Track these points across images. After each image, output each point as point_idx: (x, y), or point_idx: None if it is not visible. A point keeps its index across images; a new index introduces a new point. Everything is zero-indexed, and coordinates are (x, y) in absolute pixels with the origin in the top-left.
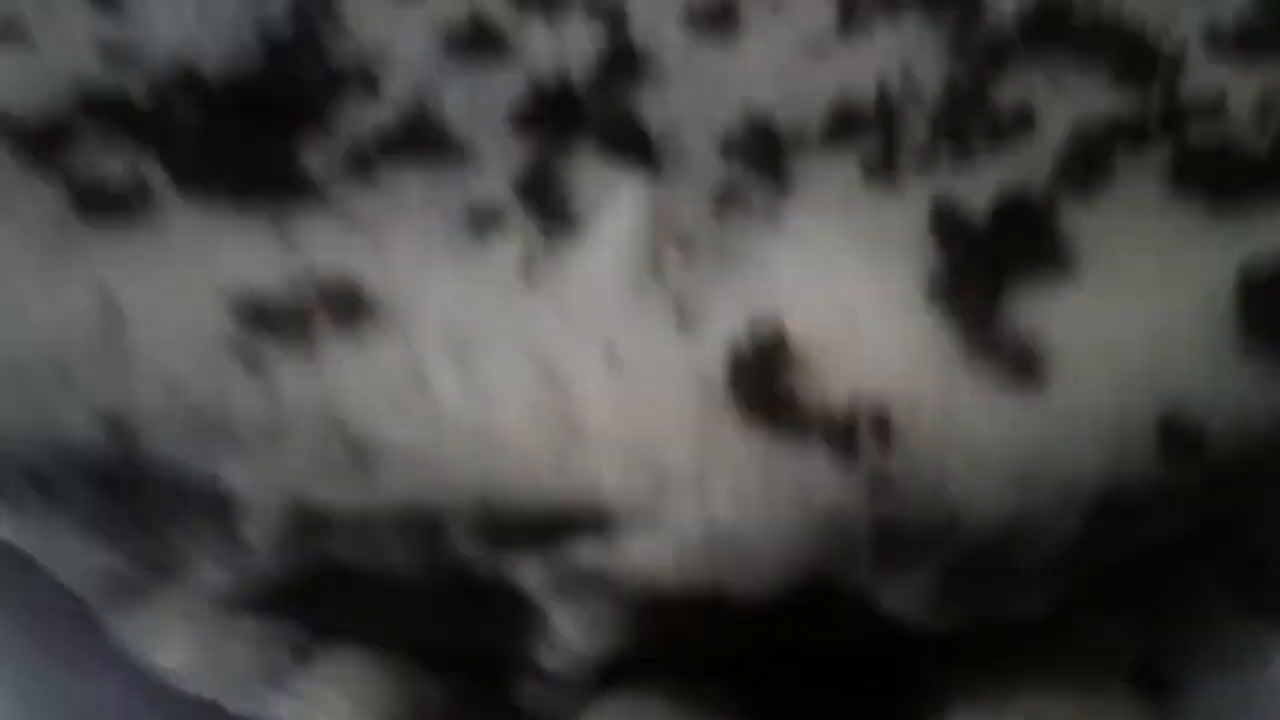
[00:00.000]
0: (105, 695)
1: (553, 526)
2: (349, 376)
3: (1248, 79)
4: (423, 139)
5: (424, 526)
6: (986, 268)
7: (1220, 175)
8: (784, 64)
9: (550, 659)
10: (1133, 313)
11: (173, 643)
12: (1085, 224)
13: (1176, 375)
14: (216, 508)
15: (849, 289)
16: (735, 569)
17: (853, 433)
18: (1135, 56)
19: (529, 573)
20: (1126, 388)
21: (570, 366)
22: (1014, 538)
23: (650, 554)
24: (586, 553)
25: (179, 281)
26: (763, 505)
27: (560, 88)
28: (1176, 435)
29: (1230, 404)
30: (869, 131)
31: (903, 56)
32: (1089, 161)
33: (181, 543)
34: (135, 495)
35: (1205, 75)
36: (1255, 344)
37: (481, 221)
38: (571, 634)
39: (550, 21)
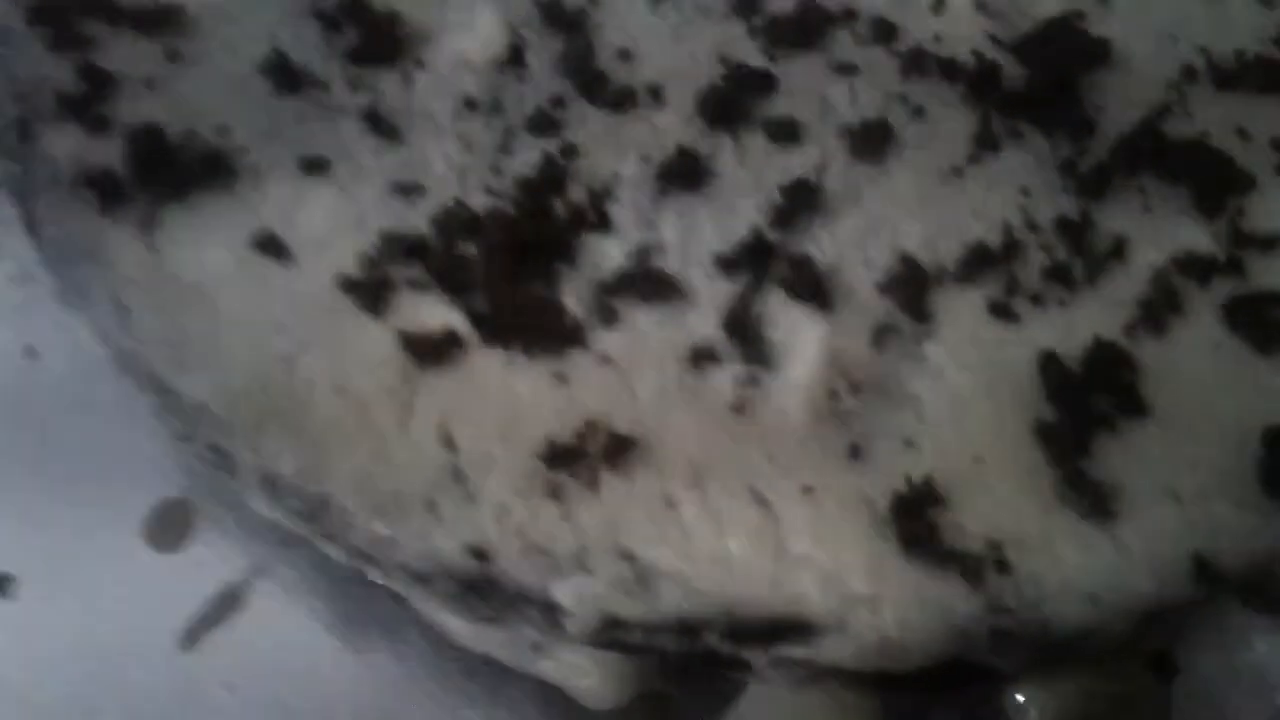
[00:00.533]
0: (410, 647)
1: (775, 632)
2: (622, 505)
3: None
4: (650, 278)
5: (688, 630)
6: (1079, 416)
7: (1266, 320)
8: (928, 191)
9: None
10: (1185, 460)
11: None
12: (1157, 365)
13: (1211, 517)
14: (547, 609)
15: (976, 431)
16: (893, 660)
17: (980, 569)
18: (1214, 182)
19: (756, 656)
20: (1175, 526)
21: (775, 495)
22: (1084, 635)
23: (838, 651)
24: (797, 650)
25: (495, 422)
26: (917, 622)
27: (755, 236)
28: (1205, 568)
29: (1248, 543)
30: (995, 270)
31: (1025, 181)
32: (1165, 299)
33: (515, 619)
34: (488, 594)
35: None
36: (1273, 491)
37: (701, 358)
38: (774, 676)
39: (738, 144)
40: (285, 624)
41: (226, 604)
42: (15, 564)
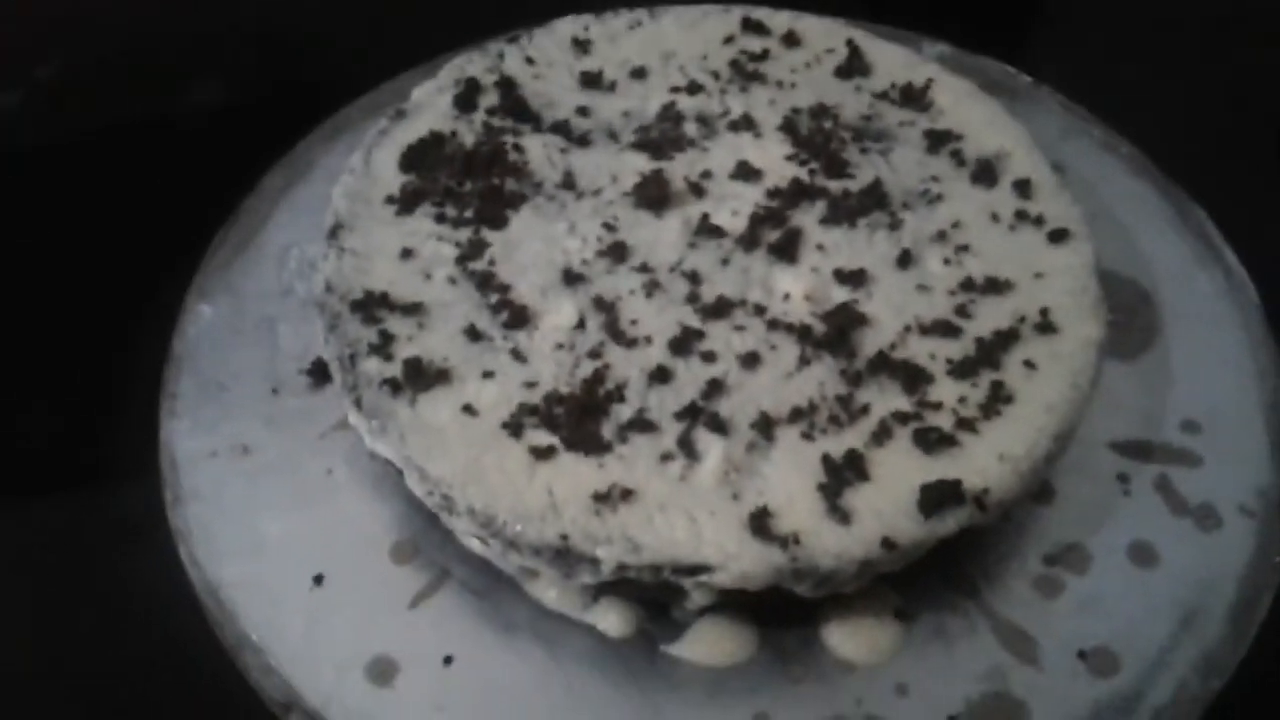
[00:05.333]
0: (520, 611)
1: (693, 570)
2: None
3: None
4: (644, 423)
5: (656, 570)
6: (838, 479)
7: (929, 437)
8: (775, 383)
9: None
10: (891, 500)
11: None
12: (876, 469)
13: (900, 526)
14: (593, 563)
15: (789, 481)
16: (747, 585)
17: (787, 545)
18: (913, 379)
19: (686, 581)
20: (882, 524)
21: (699, 511)
22: (836, 575)
23: (721, 581)
24: (703, 578)
25: (572, 488)
26: (754, 572)
27: (690, 405)
28: (891, 544)
29: (917, 534)
30: (805, 419)
31: (821, 379)
32: (884, 433)
33: (577, 572)
34: (567, 559)
35: (942, 389)
36: (926, 514)
37: (666, 459)
38: (696, 596)
39: (687, 366)
40: None
41: None
42: None
